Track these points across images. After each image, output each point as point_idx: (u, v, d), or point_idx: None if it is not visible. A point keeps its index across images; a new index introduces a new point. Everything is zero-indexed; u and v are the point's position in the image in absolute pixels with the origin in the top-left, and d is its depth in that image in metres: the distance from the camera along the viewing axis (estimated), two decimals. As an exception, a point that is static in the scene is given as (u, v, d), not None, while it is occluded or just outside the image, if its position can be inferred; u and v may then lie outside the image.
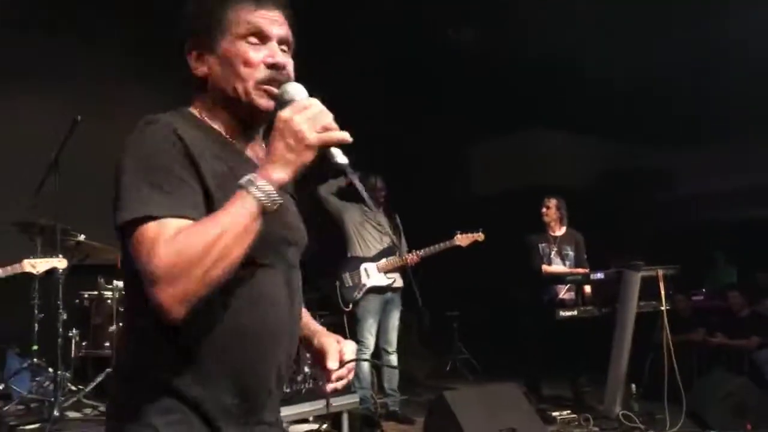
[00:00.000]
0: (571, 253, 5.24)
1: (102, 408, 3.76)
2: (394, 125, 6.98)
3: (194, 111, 1.25)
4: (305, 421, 4.21)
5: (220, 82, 1.21)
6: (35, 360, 4.11)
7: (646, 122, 7.06)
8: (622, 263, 4.77)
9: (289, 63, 1.24)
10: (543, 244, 5.26)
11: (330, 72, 6.94)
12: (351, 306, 4.82)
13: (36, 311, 4.05)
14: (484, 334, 6.95)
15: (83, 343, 4.40)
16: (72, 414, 3.79)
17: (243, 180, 1.06)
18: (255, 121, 1.25)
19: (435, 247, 4.84)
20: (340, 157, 1.12)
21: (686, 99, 6.41)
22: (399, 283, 4.90)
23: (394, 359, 4.89)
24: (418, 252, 4.81)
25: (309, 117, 1.08)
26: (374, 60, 6.68)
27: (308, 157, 1.08)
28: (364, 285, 4.79)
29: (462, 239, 4.80)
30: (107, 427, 1.19)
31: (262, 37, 1.21)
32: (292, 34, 1.26)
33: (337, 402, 4.05)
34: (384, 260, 4.83)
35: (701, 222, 7.50)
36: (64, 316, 3.97)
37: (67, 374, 4.04)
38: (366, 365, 4.77)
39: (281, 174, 1.07)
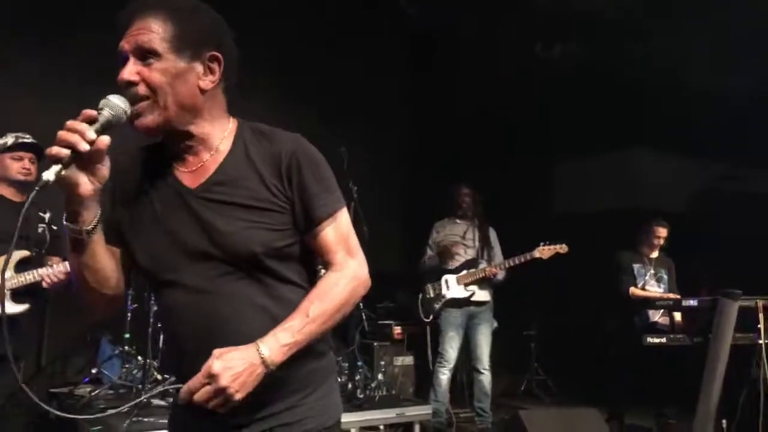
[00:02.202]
0: (665, 277, 5.01)
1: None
2: (479, 138, 6.92)
3: None
4: (375, 428, 4.21)
5: None
6: (126, 348, 4.34)
7: (746, 142, 6.63)
8: (718, 291, 4.49)
9: (138, 74, 1.23)
10: (638, 265, 5.04)
11: (420, 86, 7.06)
12: (431, 317, 4.78)
13: (129, 301, 4.28)
14: (563, 356, 6.71)
15: (171, 334, 4.60)
16: (157, 402, 3.95)
17: None
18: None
19: (514, 259, 4.72)
20: (47, 173, 1.10)
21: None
22: (483, 296, 4.77)
23: (485, 379, 4.70)
24: (497, 264, 4.73)
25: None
26: (464, 76, 6.66)
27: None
28: (444, 296, 4.74)
29: (544, 251, 4.62)
30: None
31: (122, 58, 1.25)
32: (167, 31, 1.24)
33: (410, 412, 4.05)
34: (464, 271, 4.76)
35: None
36: (156, 307, 4.17)
37: (155, 363, 4.24)
38: (444, 379, 4.68)
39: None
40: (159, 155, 1.36)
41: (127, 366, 4.33)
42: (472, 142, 6.92)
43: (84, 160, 1.13)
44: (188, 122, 1.29)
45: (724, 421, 4.41)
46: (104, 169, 1.18)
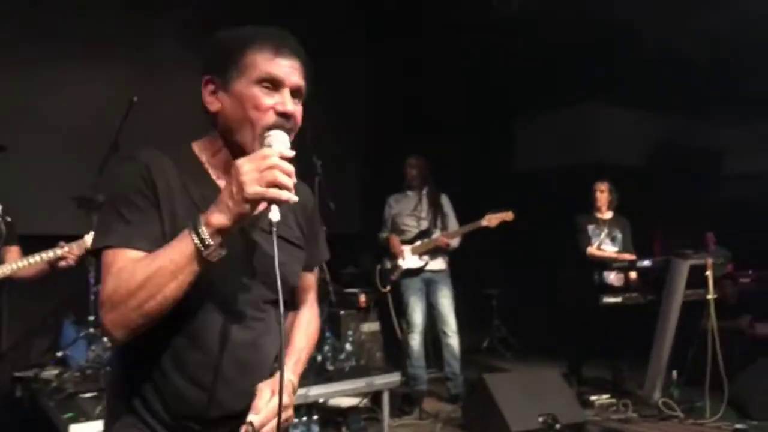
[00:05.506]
0: (619, 236, 5.16)
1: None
2: (437, 99, 6.88)
3: (194, 146, 1.32)
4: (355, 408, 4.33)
5: (230, 121, 1.25)
6: (91, 330, 4.29)
7: (707, 98, 6.71)
8: (670, 251, 4.68)
9: (297, 112, 1.27)
10: (592, 226, 5.18)
11: (372, 44, 6.92)
12: (389, 287, 4.87)
13: (92, 282, 4.21)
14: (524, 314, 6.94)
15: (135, 315, 4.54)
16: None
17: (192, 220, 1.13)
18: None
19: (462, 228, 4.84)
20: (274, 214, 1.11)
21: (753, 74, 6.05)
22: (438, 265, 4.88)
23: (454, 342, 4.82)
24: (447, 234, 4.81)
25: (258, 168, 1.09)
26: (417, 30, 6.55)
27: (244, 208, 1.10)
28: (400, 267, 4.83)
29: (491, 220, 4.70)
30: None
31: (276, 84, 1.24)
32: (306, 84, 1.29)
33: (378, 381, 4.14)
34: (418, 242, 4.84)
35: (759, 202, 7.14)
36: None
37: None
38: (416, 344, 4.80)
39: (221, 219, 1.11)
40: (198, 174, 1.29)
41: (93, 348, 4.27)
42: (430, 103, 6.89)
43: None
44: None
45: (674, 372, 4.68)
46: None
